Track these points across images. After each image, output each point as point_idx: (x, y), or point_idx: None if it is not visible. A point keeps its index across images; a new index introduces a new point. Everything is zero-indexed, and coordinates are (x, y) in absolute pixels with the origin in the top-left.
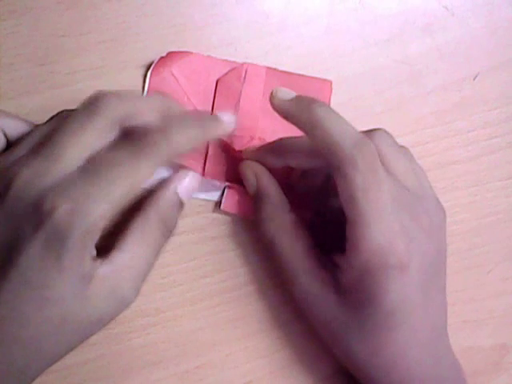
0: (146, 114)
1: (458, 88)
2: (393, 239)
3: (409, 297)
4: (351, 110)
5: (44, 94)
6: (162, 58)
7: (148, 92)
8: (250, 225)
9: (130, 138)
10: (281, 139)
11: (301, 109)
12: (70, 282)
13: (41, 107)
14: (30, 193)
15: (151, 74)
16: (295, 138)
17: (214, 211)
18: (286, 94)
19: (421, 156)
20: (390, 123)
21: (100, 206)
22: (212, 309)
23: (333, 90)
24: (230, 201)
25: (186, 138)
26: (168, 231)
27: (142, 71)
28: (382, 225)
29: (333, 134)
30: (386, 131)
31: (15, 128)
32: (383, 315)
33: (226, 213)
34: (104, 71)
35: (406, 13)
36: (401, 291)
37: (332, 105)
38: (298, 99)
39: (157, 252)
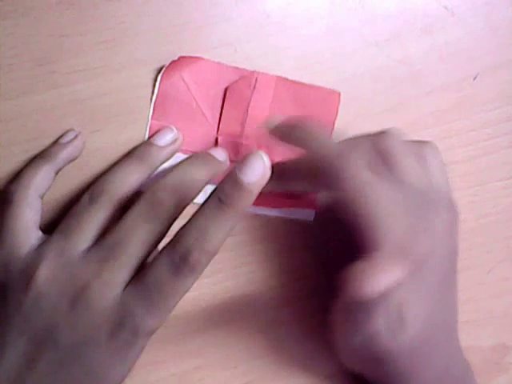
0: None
1: (458, 88)
2: (403, 238)
3: (423, 299)
4: (351, 110)
5: (44, 94)
6: (173, 61)
7: (158, 96)
8: (248, 225)
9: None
10: (281, 163)
11: (287, 134)
12: (124, 363)
13: (41, 107)
14: (108, 299)
15: (162, 77)
16: (295, 160)
17: None
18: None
19: None
20: (390, 123)
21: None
22: (212, 309)
23: None
24: None
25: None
26: None
27: (141, 71)
28: (389, 222)
29: (317, 152)
30: (393, 131)
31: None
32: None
33: None
34: (104, 71)
35: (406, 13)
36: (417, 292)
37: None
38: (283, 125)
39: None
